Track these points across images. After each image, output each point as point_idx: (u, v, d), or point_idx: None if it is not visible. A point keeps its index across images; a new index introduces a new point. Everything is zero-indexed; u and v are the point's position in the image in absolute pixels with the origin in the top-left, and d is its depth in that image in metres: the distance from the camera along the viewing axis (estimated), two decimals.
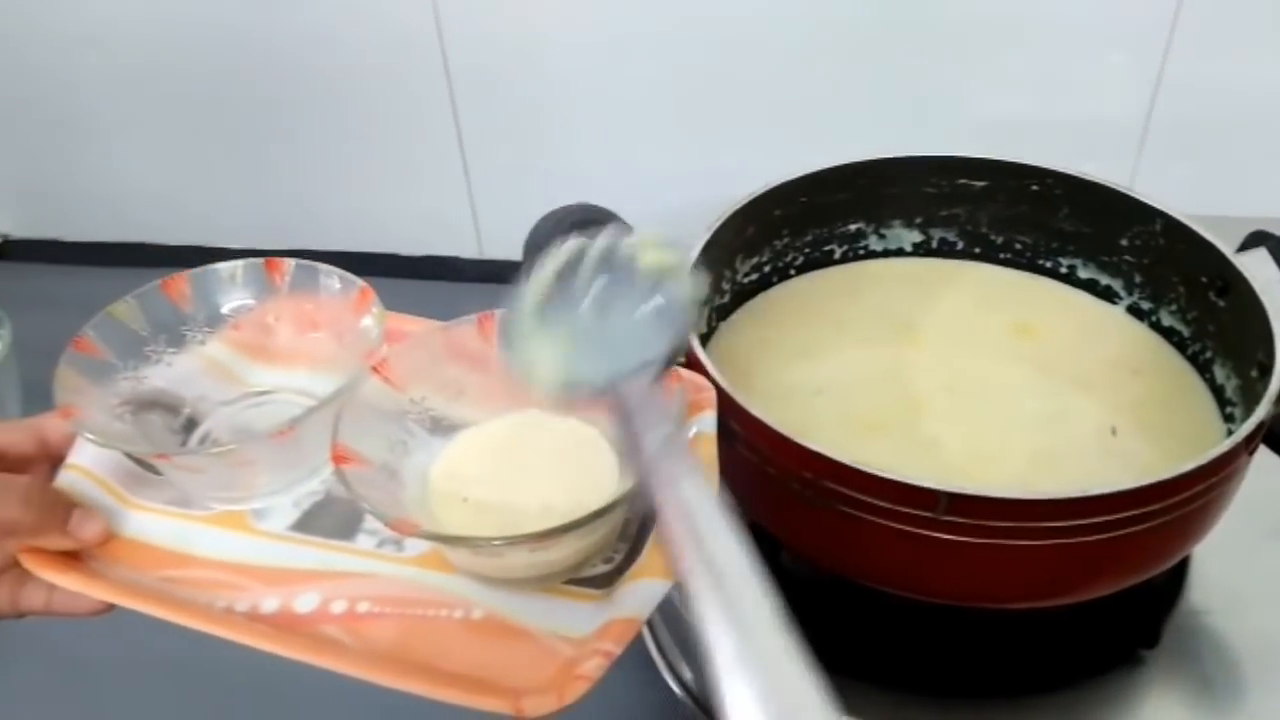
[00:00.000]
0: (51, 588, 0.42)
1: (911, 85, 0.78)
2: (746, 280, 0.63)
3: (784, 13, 0.76)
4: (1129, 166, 0.79)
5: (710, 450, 0.44)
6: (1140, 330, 0.61)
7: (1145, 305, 0.61)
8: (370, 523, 0.44)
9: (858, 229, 0.65)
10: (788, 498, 0.47)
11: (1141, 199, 0.58)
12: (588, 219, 0.57)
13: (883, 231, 0.65)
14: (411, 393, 0.44)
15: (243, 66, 0.88)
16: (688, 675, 0.58)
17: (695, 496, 0.31)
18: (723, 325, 0.62)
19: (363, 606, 0.41)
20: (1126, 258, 0.61)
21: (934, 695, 0.52)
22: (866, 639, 0.53)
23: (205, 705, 0.62)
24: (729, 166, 0.82)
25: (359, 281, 0.47)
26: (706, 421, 0.45)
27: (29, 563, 0.41)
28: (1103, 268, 0.62)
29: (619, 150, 0.87)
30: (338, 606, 0.41)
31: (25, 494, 0.40)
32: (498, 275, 0.93)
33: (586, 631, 0.39)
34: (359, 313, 0.46)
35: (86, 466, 0.45)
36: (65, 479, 0.45)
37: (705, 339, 0.53)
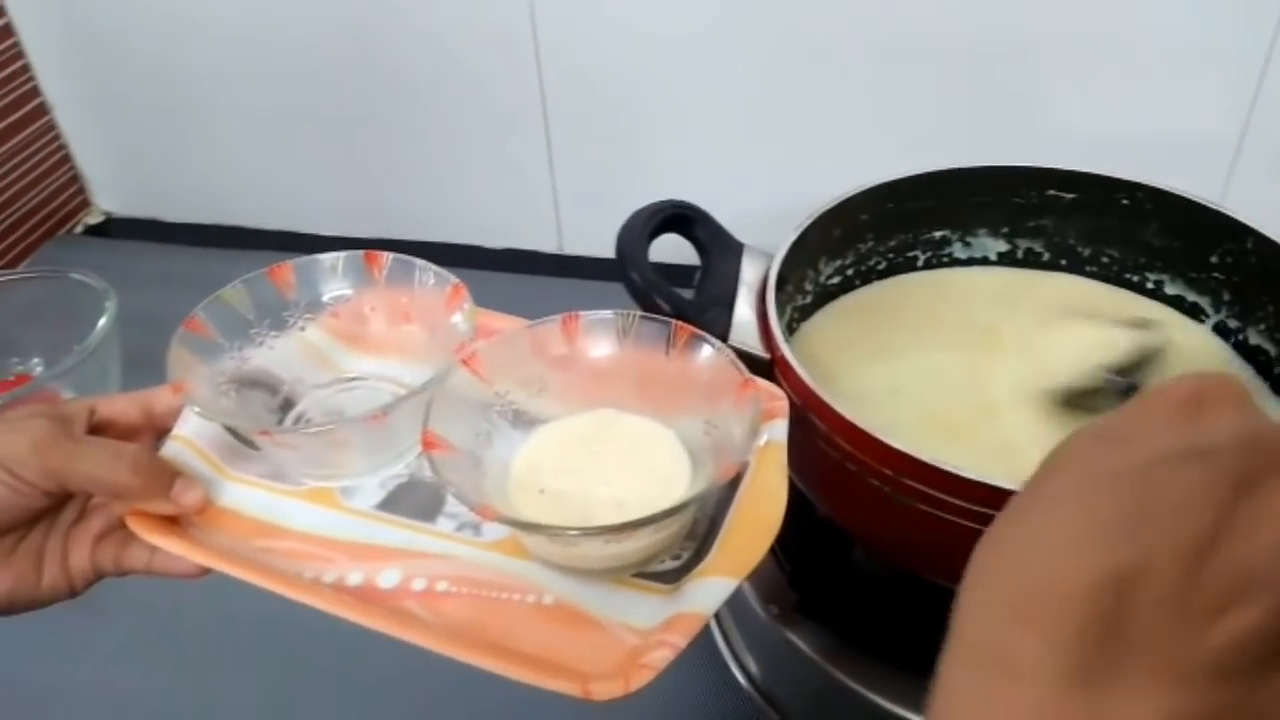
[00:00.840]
0: (152, 550, 0.44)
1: (1005, 97, 0.78)
2: (829, 282, 0.64)
3: (881, 20, 0.77)
4: (1220, 184, 0.78)
5: (780, 458, 0.45)
6: (1221, 348, 0.61)
7: (1232, 323, 0.60)
8: (451, 506, 0.46)
9: (943, 236, 0.65)
10: (866, 494, 0.47)
11: (1233, 215, 0.58)
12: (679, 216, 0.58)
13: (968, 240, 0.66)
14: (497, 386, 0.46)
15: (343, 59, 0.91)
16: (754, 669, 0.59)
17: None
18: (805, 325, 0.63)
19: (441, 585, 0.43)
20: (1215, 275, 0.60)
21: None
22: (937, 637, 0.54)
23: (283, 663, 0.64)
24: (815, 171, 0.83)
25: (452, 278, 0.49)
26: (778, 429, 0.46)
27: (134, 525, 0.44)
28: (1190, 284, 0.62)
29: (705, 151, 0.88)
30: (418, 584, 0.43)
31: (134, 461, 0.43)
32: (576, 270, 0.95)
33: (652, 624, 0.40)
34: (451, 308, 0.48)
35: (189, 438, 0.48)
36: (170, 449, 0.47)
37: (788, 337, 0.54)
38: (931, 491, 0.45)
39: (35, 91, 1.00)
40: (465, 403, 0.45)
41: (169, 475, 0.45)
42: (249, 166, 1.01)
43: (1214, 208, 0.58)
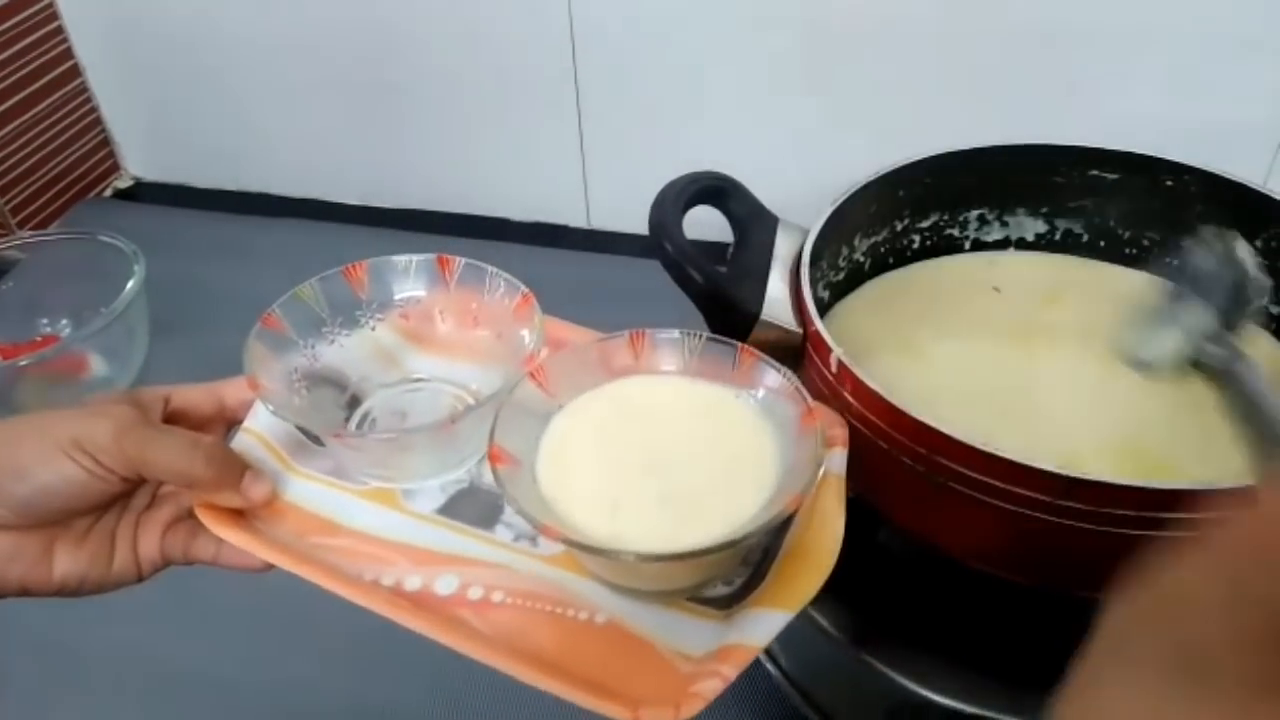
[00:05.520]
0: (219, 542, 0.45)
1: (1048, 77, 0.77)
2: (863, 260, 0.63)
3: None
4: (1264, 169, 0.77)
5: (839, 488, 0.44)
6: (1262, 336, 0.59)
7: (1275, 310, 0.59)
8: (508, 516, 0.46)
9: (980, 215, 0.64)
10: (899, 472, 0.47)
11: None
12: (714, 188, 0.57)
13: (1006, 219, 0.64)
14: (562, 399, 0.45)
15: (374, 29, 0.90)
16: (777, 649, 0.59)
17: None
18: (838, 305, 0.62)
19: (497, 596, 0.43)
20: (1260, 260, 0.59)
21: (1023, 682, 0.51)
22: (961, 619, 0.53)
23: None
24: (849, 150, 0.82)
25: (521, 286, 0.49)
26: (836, 460, 0.45)
27: (203, 516, 0.44)
28: None
29: (736, 127, 0.87)
30: (474, 593, 0.43)
31: (208, 452, 0.43)
32: (604, 245, 0.95)
33: (703, 651, 0.40)
34: (519, 317, 0.48)
35: (260, 431, 0.48)
36: (241, 441, 0.48)
37: (822, 315, 0.53)
38: (966, 471, 0.44)
39: (68, 54, 1.00)
40: (529, 415, 0.44)
41: (239, 468, 0.45)
42: (277, 134, 1.01)
43: (1261, 191, 0.57)
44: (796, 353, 0.53)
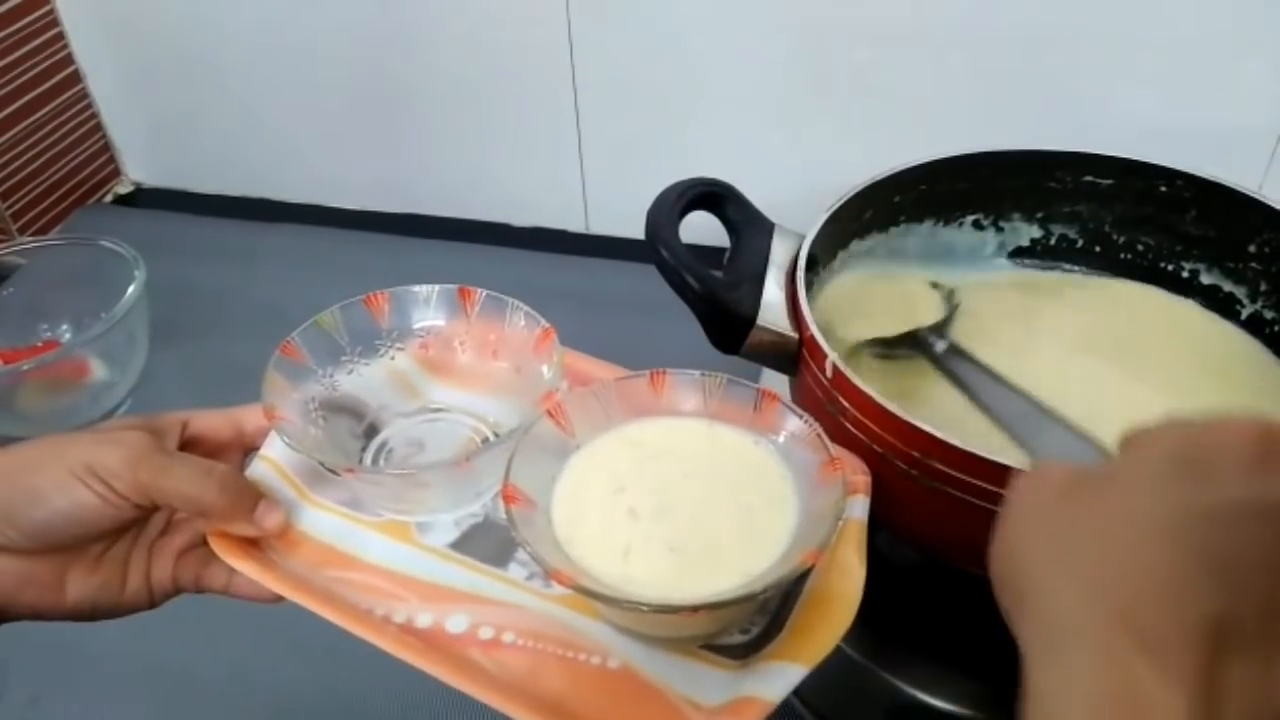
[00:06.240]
0: (231, 572, 0.45)
1: (1042, 83, 0.77)
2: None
3: (919, 4, 0.76)
4: (1259, 174, 0.77)
5: (860, 536, 0.44)
6: (1252, 344, 0.60)
7: (1269, 314, 0.59)
8: (522, 553, 0.45)
9: (975, 220, 0.65)
10: (893, 476, 0.47)
11: (1274, 204, 0.57)
12: (710, 194, 0.58)
13: (1001, 224, 0.65)
14: (580, 439, 0.45)
15: (374, 34, 0.91)
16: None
17: None
18: None
19: (508, 637, 0.42)
20: (1253, 265, 0.59)
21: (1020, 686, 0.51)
22: (958, 624, 0.53)
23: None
24: (846, 155, 0.82)
25: (542, 321, 0.49)
26: (858, 507, 0.45)
27: (216, 545, 0.44)
28: (1227, 274, 0.61)
29: (733, 133, 0.87)
30: (485, 632, 0.43)
31: (222, 481, 0.43)
32: (603, 250, 0.95)
33: (717, 701, 0.40)
34: (539, 351, 0.48)
35: (276, 459, 0.48)
36: (256, 469, 0.48)
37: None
38: (961, 475, 0.44)
39: (69, 60, 1.00)
40: (546, 453, 0.44)
41: (253, 497, 0.45)
42: (278, 139, 1.01)
43: (1255, 196, 0.58)
44: (792, 357, 0.53)
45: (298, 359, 0.48)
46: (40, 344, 0.82)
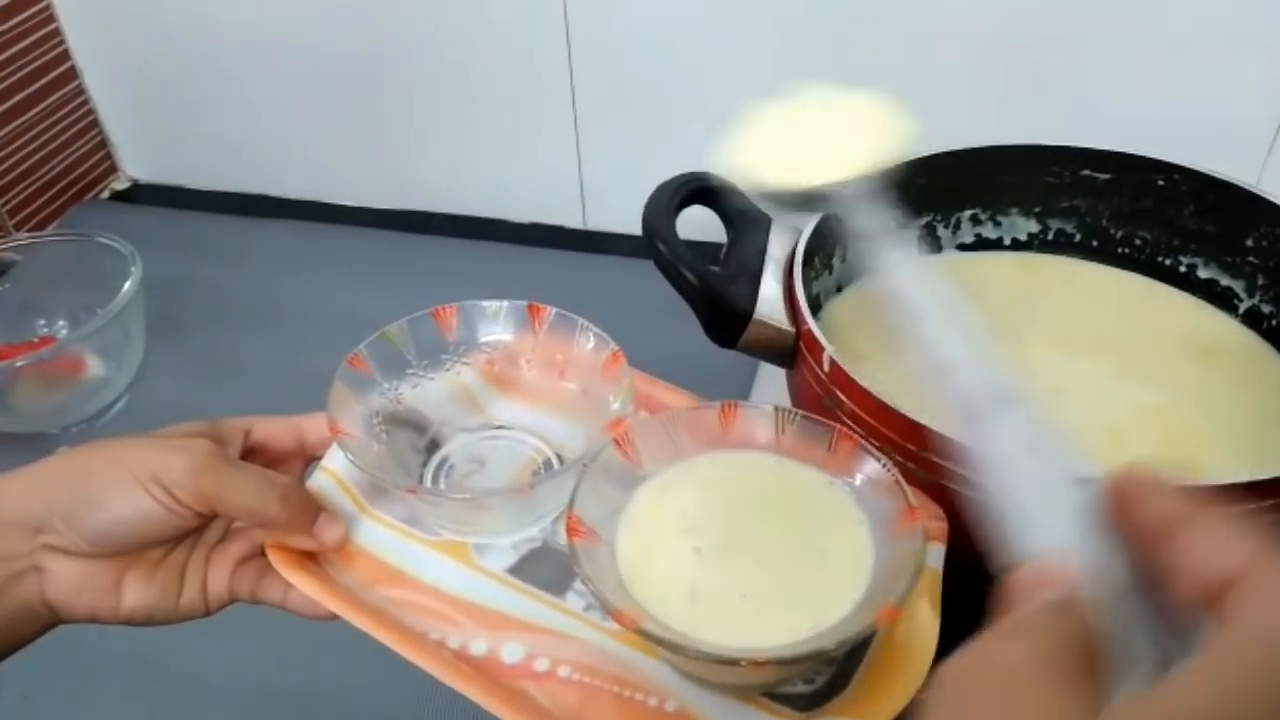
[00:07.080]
0: (288, 586, 0.44)
1: (1040, 77, 0.77)
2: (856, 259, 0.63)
3: (913, 1, 0.76)
4: (1256, 168, 0.77)
5: (935, 589, 0.42)
6: (1250, 337, 0.60)
7: (1266, 308, 0.59)
8: (580, 583, 0.43)
9: (973, 215, 0.65)
10: None
11: (1272, 199, 0.57)
12: (706, 188, 0.58)
13: (999, 219, 0.65)
14: (647, 470, 0.43)
15: (371, 29, 0.91)
16: None
17: None
18: (831, 303, 0.62)
19: (563, 671, 0.41)
20: (1251, 259, 0.59)
21: None
22: (958, 626, 0.53)
23: None
24: None
25: (612, 344, 0.48)
26: (934, 556, 0.43)
27: (274, 558, 0.44)
28: (1224, 268, 0.61)
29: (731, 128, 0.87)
30: (540, 664, 0.41)
31: (283, 493, 0.43)
32: (601, 246, 0.95)
33: None
34: (608, 375, 0.47)
35: (336, 471, 0.48)
36: (317, 481, 0.47)
37: (814, 314, 0.54)
38: (959, 469, 0.44)
39: (65, 56, 1.00)
40: (613, 483, 0.43)
41: (314, 510, 0.45)
42: (275, 135, 1.01)
43: (1252, 190, 0.58)
44: (789, 352, 0.53)
45: (365, 371, 0.48)
46: (36, 340, 0.82)
